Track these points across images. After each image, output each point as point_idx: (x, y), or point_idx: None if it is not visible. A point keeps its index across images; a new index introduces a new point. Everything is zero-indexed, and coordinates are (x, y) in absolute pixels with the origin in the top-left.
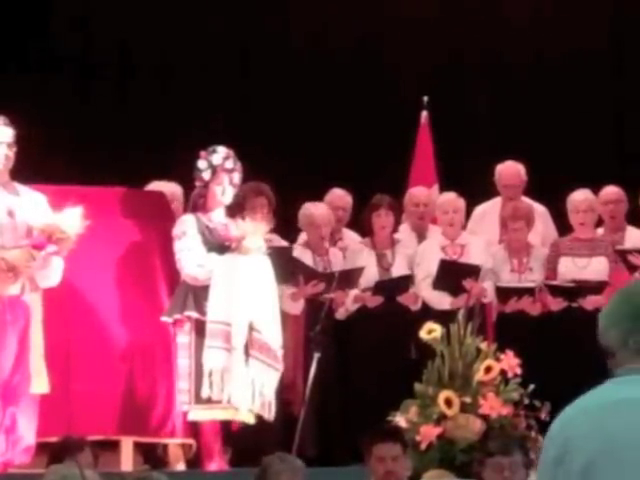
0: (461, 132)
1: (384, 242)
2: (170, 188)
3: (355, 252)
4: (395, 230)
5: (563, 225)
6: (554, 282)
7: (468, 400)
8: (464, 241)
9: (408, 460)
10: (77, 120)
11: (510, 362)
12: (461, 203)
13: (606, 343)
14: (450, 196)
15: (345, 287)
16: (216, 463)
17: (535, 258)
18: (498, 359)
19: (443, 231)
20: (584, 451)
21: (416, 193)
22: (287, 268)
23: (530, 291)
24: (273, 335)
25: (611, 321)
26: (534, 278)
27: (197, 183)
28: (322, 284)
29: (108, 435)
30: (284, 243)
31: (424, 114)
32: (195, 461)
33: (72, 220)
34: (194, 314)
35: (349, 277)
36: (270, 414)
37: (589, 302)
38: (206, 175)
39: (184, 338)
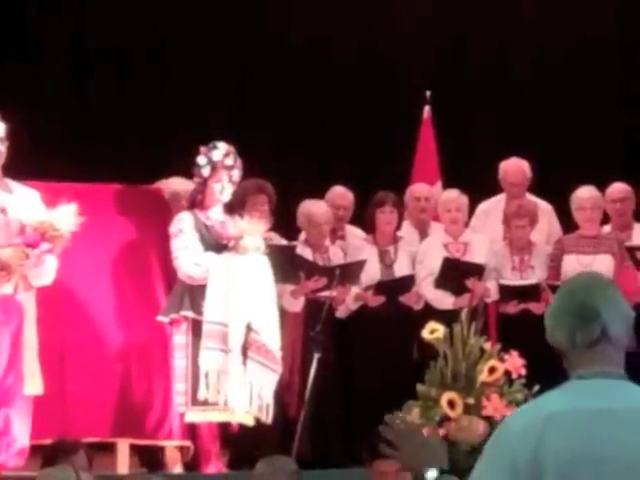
0: (464, 128)
1: (387, 239)
2: (184, 185)
3: (357, 249)
4: (398, 228)
5: (569, 222)
6: (556, 282)
7: (471, 401)
8: (467, 239)
9: None
10: (73, 116)
11: (515, 363)
12: (464, 200)
13: (554, 343)
14: (453, 193)
15: (347, 282)
16: (214, 466)
17: (537, 256)
18: (502, 360)
19: (446, 229)
20: (558, 466)
21: (417, 187)
22: (288, 267)
23: (534, 288)
24: (272, 336)
25: (556, 320)
26: (536, 276)
27: (196, 179)
28: (324, 279)
29: (103, 437)
30: (284, 242)
31: (427, 109)
32: (193, 464)
33: (66, 217)
34: (190, 314)
35: (351, 271)
36: (268, 417)
37: None
38: (205, 171)
39: (181, 338)
